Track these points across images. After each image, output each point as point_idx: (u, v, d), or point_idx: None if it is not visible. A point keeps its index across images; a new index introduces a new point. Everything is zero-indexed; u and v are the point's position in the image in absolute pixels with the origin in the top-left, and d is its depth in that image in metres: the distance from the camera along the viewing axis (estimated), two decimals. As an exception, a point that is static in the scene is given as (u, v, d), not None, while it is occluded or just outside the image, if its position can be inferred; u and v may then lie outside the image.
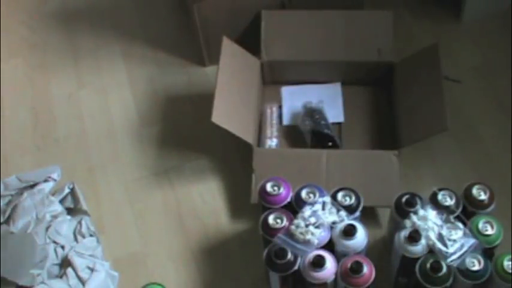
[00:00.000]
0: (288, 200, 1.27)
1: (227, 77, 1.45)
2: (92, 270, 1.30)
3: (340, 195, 1.25)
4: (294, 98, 1.57)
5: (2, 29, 1.82)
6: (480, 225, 1.18)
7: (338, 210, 1.21)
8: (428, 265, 1.14)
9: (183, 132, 1.59)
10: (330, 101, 1.55)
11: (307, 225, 1.19)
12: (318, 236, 1.19)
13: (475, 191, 1.23)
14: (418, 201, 1.22)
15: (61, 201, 1.42)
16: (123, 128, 1.61)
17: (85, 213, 1.40)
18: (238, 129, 1.40)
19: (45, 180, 1.43)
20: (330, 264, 1.17)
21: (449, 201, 1.22)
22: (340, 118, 1.54)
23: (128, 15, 1.84)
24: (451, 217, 1.19)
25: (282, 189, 1.27)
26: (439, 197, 1.22)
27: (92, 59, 1.75)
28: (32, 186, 1.42)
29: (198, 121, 1.58)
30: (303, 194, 1.25)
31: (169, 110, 1.63)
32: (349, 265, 1.15)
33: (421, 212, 1.19)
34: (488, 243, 1.18)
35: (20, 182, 1.42)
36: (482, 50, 1.67)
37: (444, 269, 1.14)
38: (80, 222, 1.38)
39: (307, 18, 1.58)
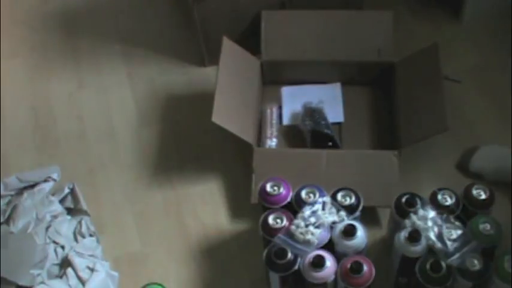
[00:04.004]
0: (288, 200, 1.27)
1: (227, 77, 1.45)
2: (92, 270, 1.30)
3: (340, 195, 1.25)
4: (294, 98, 1.57)
5: (2, 29, 1.82)
6: (480, 225, 1.18)
7: (338, 210, 1.22)
8: (428, 265, 1.14)
9: (183, 132, 1.58)
10: (330, 101, 1.55)
11: (307, 225, 1.19)
12: (318, 236, 1.19)
13: (475, 191, 1.23)
14: (418, 201, 1.22)
15: (61, 201, 1.42)
16: (123, 128, 1.61)
17: (85, 213, 1.40)
18: (238, 129, 1.40)
19: (45, 180, 1.42)
20: (330, 264, 1.17)
21: (449, 201, 1.22)
22: (340, 118, 1.54)
23: (128, 15, 1.84)
24: (451, 217, 1.19)
25: (282, 189, 1.27)
26: (439, 197, 1.23)
27: (92, 59, 1.75)
28: (32, 186, 1.42)
29: (198, 121, 1.58)
30: (303, 194, 1.25)
31: (169, 110, 1.63)
32: (349, 265, 1.15)
33: (421, 212, 1.19)
34: (488, 243, 1.18)
35: (20, 182, 1.42)
36: (482, 50, 1.67)
37: (444, 269, 1.14)
38: (80, 222, 1.38)
39: (307, 18, 1.58)
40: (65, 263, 1.31)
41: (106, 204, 1.48)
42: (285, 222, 1.22)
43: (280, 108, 1.58)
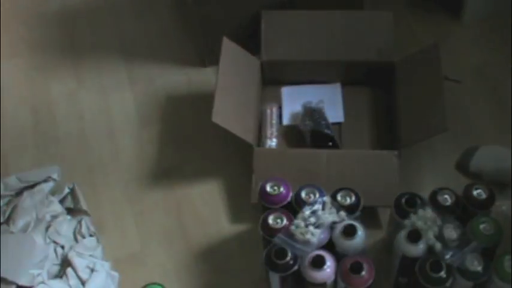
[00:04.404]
0: (288, 200, 1.27)
1: (227, 77, 1.45)
2: (91, 270, 1.30)
3: (340, 195, 1.25)
4: (294, 98, 1.57)
5: (2, 29, 1.82)
6: (480, 225, 1.18)
7: (338, 210, 1.21)
8: (428, 265, 1.14)
9: (183, 132, 1.59)
10: (330, 101, 1.55)
11: (307, 225, 1.19)
12: (318, 236, 1.19)
13: (475, 191, 1.23)
14: (418, 201, 1.22)
15: (61, 201, 1.42)
16: (123, 128, 1.61)
17: (85, 213, 1.40)
18: (238, 129, 1.40)
19: (45, 180, 1.43)
20: (330, 264, 1.17)
21: (449, 201, 1.22)
22: (340, 118, 1.54)
23: (128, 15, 1.84)
24: (451, 217, 1.19)
25: (282, 189, 1.27)
26: (439, 197, 1.23)
27: (92, 59, 1.75)
28: (32, 186, 1.42)
29: (198, 121, 1.58)
30: (303, 194, 1.25)
31: (169, 110, 1.63)
32: (349, 265, 1.15)
33: (421, 212, 1.19)
34: (488, 243, 1.18)
35: (20, 182, 1.42)
36: (482, 50, 1.67)
37: (444, 269, 1.14)
38: (80, 222, 1.38)
39: (307, 18, 1.58)
40: (65, 263, 1.31)
41: (106, 204, 1.48)
42: (285, 222, 1.22)
43: (280, 108, 1.57)
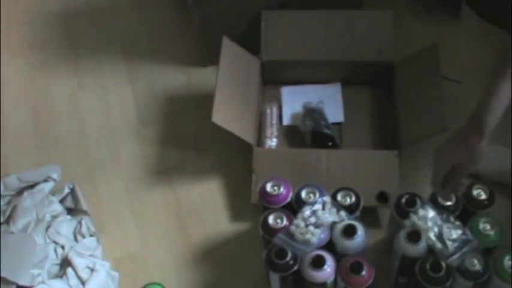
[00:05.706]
0: (288, 200, 1.27)
1: (227, 77, 1.45)
2: (92, 270, 1.30)
3: (340, 195, 1.25)
4: (294, 98, 1.57)
5: (3, 28, 1.82)
6: (480, 225, 1.18)
7: (338, 210, 1.22)
8: (428, 265, 1.14)
9: (184, 132, 1.59)
10: (330, 101, 1.55)
11: (307, 225, 1.19)
12: (318, 236, 1.19)
13: (475, 191, 1.23)
14: (418, 201, 1.22)
15: (61, 201, 1.42)
16: (123, 128, 1.61)
17: (85, 213, 1.40)
18: (238, 129, 1.40)
19: (45, 180, 1.43)
20: (330, 264, 1.17)
21: (449, 201, 1.22)
22: (340, 118, 1.54)
23: (128, 15, 1.84)
24: (451, 217, 1.19)
25: (282, 189, 1.27)
26: (439, 197, 1.22)
27: (92, 59, 1.75)
28: (32, 186, 1.42)
29: (198, 121, 1.58)
30: (303, 194, 1.26)
31: (169, 110, 1.63)
32: (349, 265, 1.15)
33: (421, 212, 1.19)
34: (488, 243, 1.18)
35: (20, 182, 1.42)
36: (482, 50, 1.66)
37: (444, 269, 1.14)
38: (80, 222, 1.38)
39: (307, 18, 1.58)
40: (65, 263, 1.31)
41: (106, 204, 1.48)
42: (285, 222, 1.22)
43: (280, 108, 1.58)
